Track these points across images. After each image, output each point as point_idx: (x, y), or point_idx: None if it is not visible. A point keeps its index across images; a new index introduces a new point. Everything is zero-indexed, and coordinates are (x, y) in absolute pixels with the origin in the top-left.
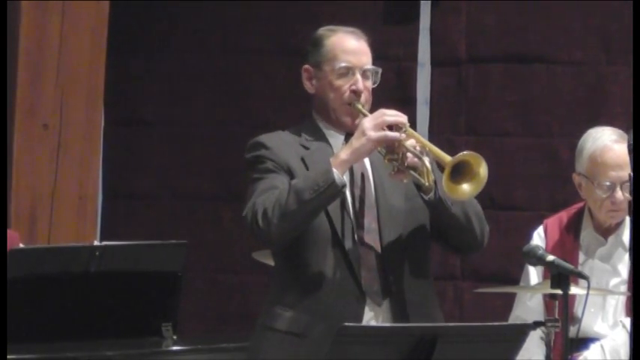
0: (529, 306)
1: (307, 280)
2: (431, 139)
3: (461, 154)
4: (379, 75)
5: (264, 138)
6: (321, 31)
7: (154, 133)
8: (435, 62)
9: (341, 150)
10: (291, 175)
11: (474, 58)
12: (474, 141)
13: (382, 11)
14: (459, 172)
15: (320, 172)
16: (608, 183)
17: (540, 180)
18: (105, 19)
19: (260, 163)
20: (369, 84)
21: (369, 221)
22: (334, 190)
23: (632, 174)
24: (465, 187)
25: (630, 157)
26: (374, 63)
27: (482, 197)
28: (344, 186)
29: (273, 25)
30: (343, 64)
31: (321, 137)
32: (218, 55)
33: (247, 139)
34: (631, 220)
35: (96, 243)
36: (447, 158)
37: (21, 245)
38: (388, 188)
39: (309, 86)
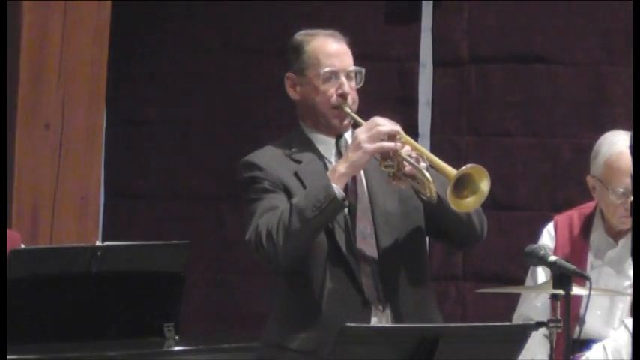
0: (535, 305)
1: (311, 295)
2: (433, 140)
3: (464, 167)
4: (363, 74)
5: (255, 158)
6: (299, 36)
7: (155, 133)
8: (437, 62)
9: (338, 163)
10: (287, 192)
11: (476, 58)
12: (475, 141)
13: (384, 11)
14: (462, 184)
15: (320, 189)
16: (622, 190)
17: (542, 180)
18: (107, 19)
19: (256, 184)
20: (354, 84)
21: (365, 227)
22: (336, 205)
23: (632, 174)
24: (468, 200)
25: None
26: (375, 63)
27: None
28: (345, 199)
29: (274, 25)
30: (327, 69)
31: (311, 147)
32: (218, 55)
33: (249, 139)
34: (632, 221)
35: (98, 243)
36: (449, 171)
37: (22, 245)
38: (382, 193)
39: (293, 93)
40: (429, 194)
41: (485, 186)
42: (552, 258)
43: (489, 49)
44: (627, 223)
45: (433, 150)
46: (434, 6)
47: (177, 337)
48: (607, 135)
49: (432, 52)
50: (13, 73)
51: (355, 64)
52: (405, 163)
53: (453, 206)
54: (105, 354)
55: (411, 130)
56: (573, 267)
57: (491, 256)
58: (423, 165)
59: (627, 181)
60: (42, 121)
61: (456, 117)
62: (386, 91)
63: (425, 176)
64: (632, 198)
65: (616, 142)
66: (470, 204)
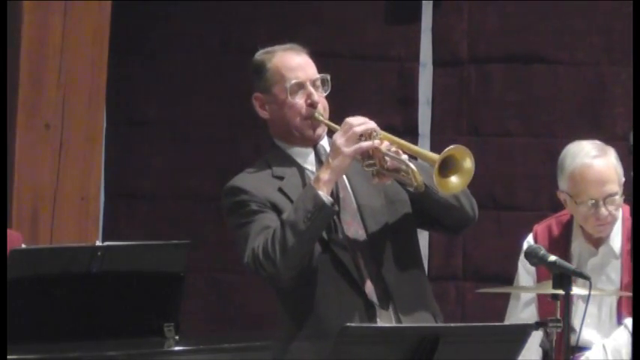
0: (521, 318)
1: (314, 307)
2: (432, 140)
3: (446, 150)
4: (329, 81)
5: (239, 181)
6: (259, 56)
7: (155, 133)
8: (437, 62)
9: (320, 171)
10: (276, 210)
11: (476, 59)
12: (475, 141)
13: (384, 11)
14: (446, 167)
15: (307, 199)
16: (591, 201)
17: (542, 180)
18: (107, 19)
19: (243, 207)
20: (322, 92)
21: (356, 229)
22: (327, 212)
23: (632, 174)
24: (454, 181)
25: (630, 157)
26: (375, 63)
27: (484, 197)
28: (333, 204)
29: (274, 25)
30: (294, 82)
31: (290, 162)
32: (218, 55)
33: (249, 139)
34: (632, 221)
35: (98, 243)
36: (432, 156)
37: (23, 246)
38: (367, 193)
39: (263, 113)
40: (415, 184)
41: (468, 164)
42: (552, 258)
43: (489, 49)
44: (604, 231)
45: (433, 150)
46: (434, 6)
47: (177, 337)
48: (569, 147)
49: (432, 52)
50: (13, 73)
51: (355, 64)
52: (386, 158)
53: (441, 189)
54: (105, 354)
55: (411, 130)
56: (573, 267)
57: (491, 256)
58: (404, 156)
59: (594, 192)
60: (42, 121)
61: (456, 117)
62: (386, 91)
63: (409, 166)
64: (603, 208)
65: (578, 154)
66: (457, 184)
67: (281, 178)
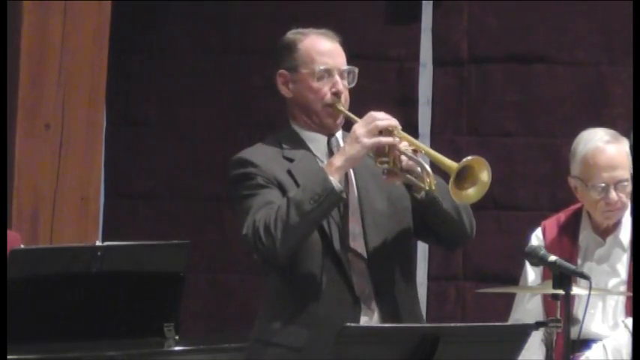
0: (527, 309)
1: (302, 291)
2: (432, 140)
3: (465, 159)
4: (356, 74)
5: (249, 154)
6: (292, 35)
7: (155, 133)
8: (437, 62)
9: (334, 157)
10: (281, 189)
11: (476, 58)
12: (475, 141)
13: (384, 11)
14: (462, 176)
15: (317, 182)
16: (602, 185)
17: (542, 180)
18: (107, 19)
19: (250, 180)
20: (346, 83)
21: (354, 226)
22: (335, 198)
23: (632, 173)
24: (470, 191)
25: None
26: (375, 63)
27: (484, 197)
28: (342, 191)
29: (274, 25)
30: (322, 67)
31: (302, 145)
32: (218, 55)
33: (249, 139)
34: (632, 221)
35: (98, 243)
36: (450, 164)
37: (22, 246)
38: (371, 192)
39: (285, 91)
40: (427, 187)
41: (485, 177)
42: (552, 258)
43: (489, 49)
44: (611, 218)
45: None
46: (434, 6)
47: (177, 337)
48: (583, 133)
49: (432, 52)
50: (13, 73)
51: (355, 64)
52: (401, 157)
53: (455, 198)
54: (105, 354)
55: (411, 130)
56: (573, 267)
57: (491, 256)
58: (420, 159)
59: (605, 176)
60: (42, 121)
61: (456, 117)
62: (386, 91)
63: (424, 168)
64: (613, 193)
65: (591, 139)
66: (472, 195)
67: (291, 160)
